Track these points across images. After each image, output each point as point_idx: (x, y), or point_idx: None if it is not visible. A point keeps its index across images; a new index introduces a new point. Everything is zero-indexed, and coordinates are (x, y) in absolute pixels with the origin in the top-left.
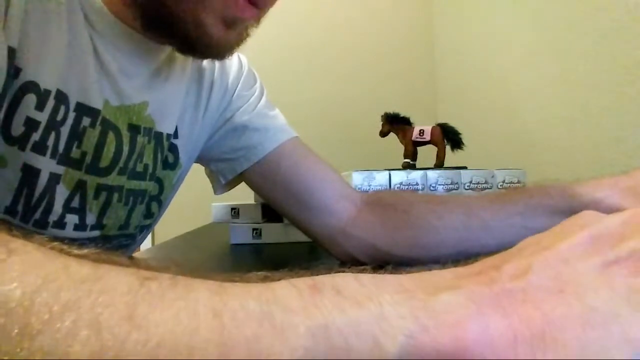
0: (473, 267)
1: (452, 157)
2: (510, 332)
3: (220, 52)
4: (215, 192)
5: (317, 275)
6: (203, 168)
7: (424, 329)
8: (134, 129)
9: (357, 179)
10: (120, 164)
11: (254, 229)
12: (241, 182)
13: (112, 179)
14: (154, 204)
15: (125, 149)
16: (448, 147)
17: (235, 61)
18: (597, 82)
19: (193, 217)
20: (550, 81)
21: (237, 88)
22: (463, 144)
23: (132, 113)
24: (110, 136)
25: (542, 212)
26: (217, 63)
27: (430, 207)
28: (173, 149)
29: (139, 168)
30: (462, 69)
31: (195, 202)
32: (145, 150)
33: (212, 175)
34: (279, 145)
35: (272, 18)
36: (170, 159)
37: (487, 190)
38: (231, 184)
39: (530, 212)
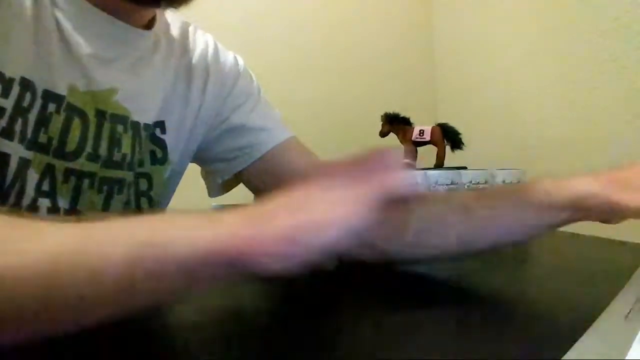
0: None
1: (452, 157)
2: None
3: None
4: (210, 194)
5: None
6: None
7: (216, 236)
8: (101, 115)
9: None
10: (89, 150)
11: None
12: (237, 184)
13: (82, 164)
14: (143, 199)
15: (91, 134)
16: (448, 147)
17: (230, 60)
18: (597, 82)
19: None
20: (550, 81)
21: (233, 88)
22: (463, 144)
23: (98, 99)
24: (76, 122)
25: (538, 206)
26: (210, 62)
27: (430, 206)
28: (160, 143)
29: (117, 157)
30: (462, 69)
31: (195, 202)
32: (122, 139)
33: (209, 175)
34: (277, 144)
35: (272, 18)
36: (158, 154)
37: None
38: (227, 186)
39: (526, 207)
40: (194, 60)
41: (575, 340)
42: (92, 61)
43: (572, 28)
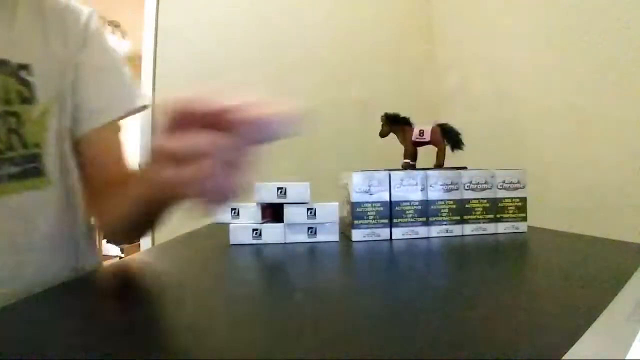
0: None
1: (452, 157)
2: None
3: None
4: None
5: None
6: None
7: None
8: None
9: (357, 179)
10: None
11: (254, 229)
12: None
13: None
14: (13, 137)
15: None
16: (448, 147)
17: (84, 15)
18: (597, 82)
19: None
20: (550, 81)
21: (84, 47)
22: (463, 144)
23: None
24: None
25: (137, 181)
26: (64, 10)
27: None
28: (27, 84)
29: None
30: (462, 69)
31: None
32: None
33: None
34: (96, 127)
35: (273, 19)
36: (26, 93)
37: (486, 190)
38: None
39: (134, 181)
40: (48, 5)
41: (575, 340)
42: None
43: (572, 28)
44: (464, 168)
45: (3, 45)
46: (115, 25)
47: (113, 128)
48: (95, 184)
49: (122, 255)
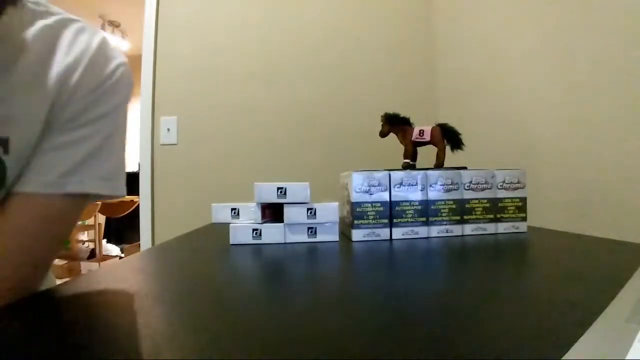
0: None
1: (452, 157)
2: None
3: None
4: None
5: None
6: (203, 169)
7: None
8: None
9: (357, 179)
10: None
11: (254, 229)
12: None
13: None
14: None
15: None
16: (448, 147)
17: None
18: (597, 83)
19: (193, 217)
20: (550, 82)
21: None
22: (463, 144)
23: None
24: None
25: None
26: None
27: None
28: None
29: None
30: (462, 70)
31: (195, 202)
32: None
33: None
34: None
35: (273, 19)
36: None
37: (486, 190)
38: None
39: None
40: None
41: (575, 340)
42: None
43: (572, 28)
44: (464, 168)
45: None
46: (115, 25)
47: (25, 204)
48: None
49: (122, 255)
